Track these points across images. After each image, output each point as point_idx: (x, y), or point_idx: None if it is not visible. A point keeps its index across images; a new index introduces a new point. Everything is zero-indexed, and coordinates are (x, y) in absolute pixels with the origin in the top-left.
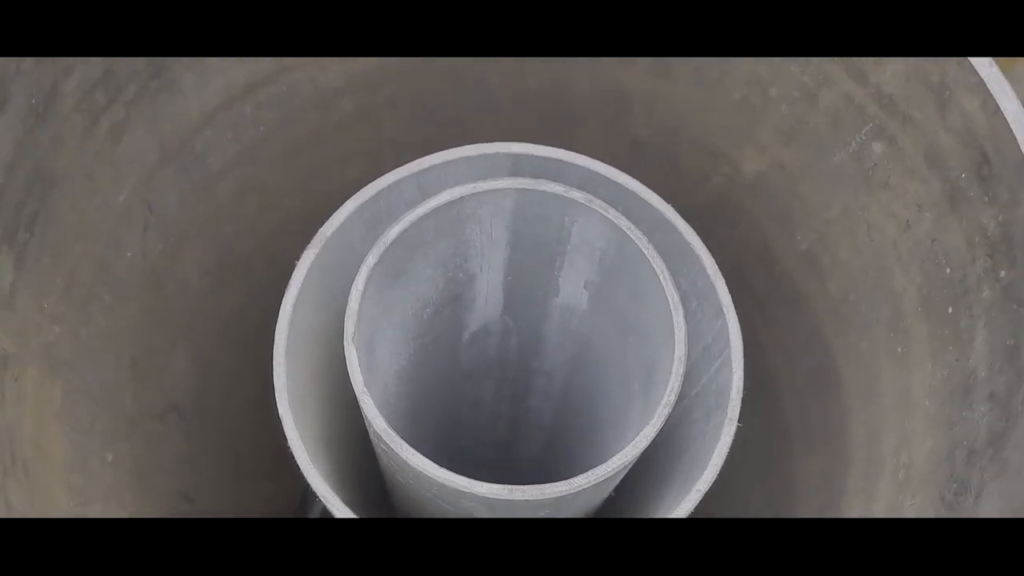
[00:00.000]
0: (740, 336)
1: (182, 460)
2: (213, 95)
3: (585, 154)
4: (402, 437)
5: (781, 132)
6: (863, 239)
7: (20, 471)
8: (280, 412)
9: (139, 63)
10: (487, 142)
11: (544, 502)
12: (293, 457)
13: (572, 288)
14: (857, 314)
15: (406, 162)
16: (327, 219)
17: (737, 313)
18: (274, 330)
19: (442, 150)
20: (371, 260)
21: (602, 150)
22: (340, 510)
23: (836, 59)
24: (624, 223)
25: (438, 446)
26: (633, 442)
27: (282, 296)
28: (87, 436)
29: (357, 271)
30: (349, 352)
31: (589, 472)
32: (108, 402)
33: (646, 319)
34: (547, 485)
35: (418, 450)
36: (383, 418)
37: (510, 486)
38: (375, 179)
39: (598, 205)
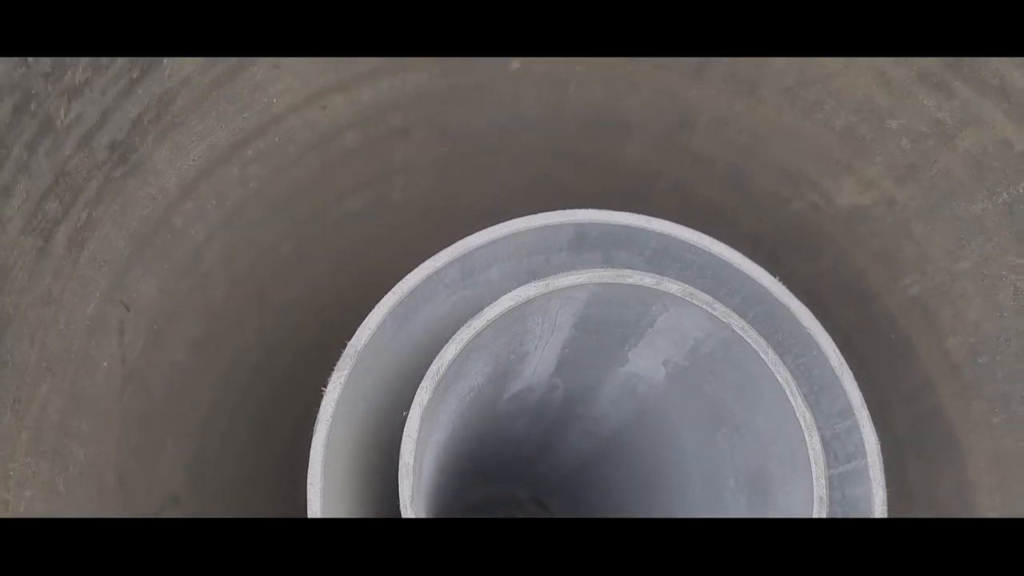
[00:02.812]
0: (878, 446)
1: None
2: (192, 165)
3: (633, 166)
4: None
5: (896, 168)
6: (1007, 301)
7: None
8: None
9: (100, 153)
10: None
11: None
12: None
13: (645, 363)
14: (989, 381)
15: (417, 187)
16: (324, 260)
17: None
18: (267, 387)
19: (460, 171)
20: (424, 397)
21: (655, 162)
22: None
23: (991, 98)
24: (737, 322)
25: (462, 464)
26: None
27: (274, 349)
28: None
29: (386, 369)
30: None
31: None
32: None
33: (753, 419)
34: None
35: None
36: None
37: None
38: (381, 208)
39: (700, 300)
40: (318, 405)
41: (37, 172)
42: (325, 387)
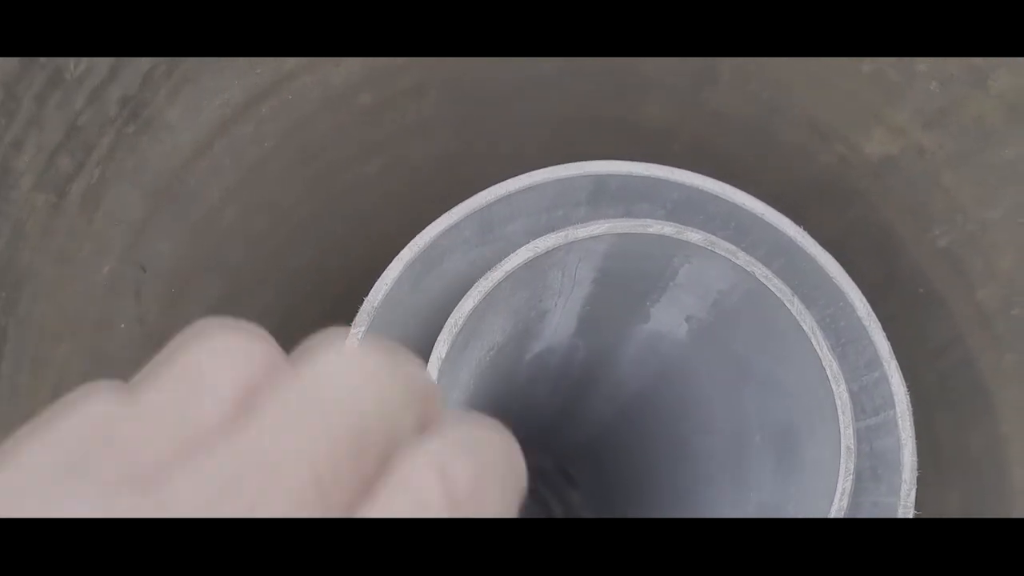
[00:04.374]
0: (907, 394)
1: None
2: (206, 122)
3: (652, 125)
4: None
5: (924, 114)
6: None
7: None
8: None
9: (111, 108)
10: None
11: None
12: None
13: (667, 319)
14: (1022, 334)
15: (435, 147)
16: (340, 222)
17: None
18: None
19: (476, 130)
20: (443, 349)
21: (673, 120)
22: None
23: None
24: (760, 271)
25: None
26: None
27: (291, 311)
28: None
29: (404, 327)
30: None
31: None
32: None
33: (779, 373)
34: None
35: None
36: None
37: None
38: (402, 170)
39: (722, 249)
40: None
41: (48, 126)
42: None
